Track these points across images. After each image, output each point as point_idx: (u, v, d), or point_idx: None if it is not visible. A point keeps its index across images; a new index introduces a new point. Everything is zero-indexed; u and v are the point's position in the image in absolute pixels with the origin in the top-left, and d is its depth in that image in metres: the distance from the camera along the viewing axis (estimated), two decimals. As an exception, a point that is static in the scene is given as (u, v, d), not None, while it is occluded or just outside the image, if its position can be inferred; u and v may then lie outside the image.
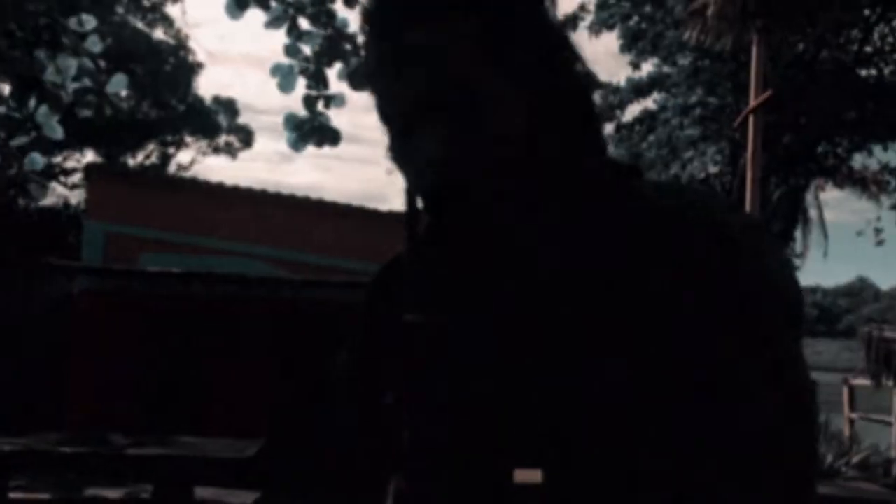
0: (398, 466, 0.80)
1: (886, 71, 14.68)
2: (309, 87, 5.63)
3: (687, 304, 0.64)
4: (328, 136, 5.08)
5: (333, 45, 5.57)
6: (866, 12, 13.99)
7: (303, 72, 5.74)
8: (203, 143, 20.68)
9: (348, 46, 5.64)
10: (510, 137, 0.69)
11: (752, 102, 7.18)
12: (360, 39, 6.17)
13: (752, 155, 7.25)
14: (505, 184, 0.69)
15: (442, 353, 0.73)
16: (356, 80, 5.52)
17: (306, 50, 5.61)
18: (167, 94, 18.57)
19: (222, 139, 20.89)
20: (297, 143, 5.07)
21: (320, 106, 5.60)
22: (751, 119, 7.27)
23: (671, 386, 0.63)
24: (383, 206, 11.26)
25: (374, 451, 0.89)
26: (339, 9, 5.75)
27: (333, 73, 5.50)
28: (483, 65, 0.68)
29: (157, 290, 9.14)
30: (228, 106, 20.52)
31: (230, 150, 21.12)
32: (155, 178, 11.44)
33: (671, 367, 0.63)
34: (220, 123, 20.47)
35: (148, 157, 19.84)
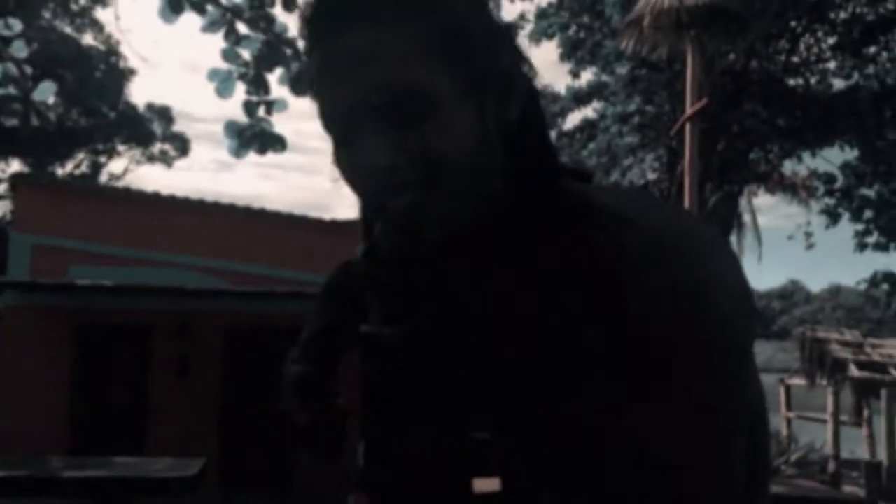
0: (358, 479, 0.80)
1: (812, 81, 15.29)
2: (248, 92, 5.51)
3: (591, 340, 0.61)
4: (271, 142, 4.96)
5: (273, 49, 5.46)
6: (793, 24, 14.56)
7: (241, 77, 5.61)
8: (136, 152, 20.10)
9: (288, 51, 5.53)
10: (460, 145, 0.66)
11: (689, 111, 7.36)
12: (301, 44, 6.07)
13: (689, 162, 7.42)
14: (451, 196, 0.67)
15: (395, 365, 0.73)
16: (298, 85, 5.42)
17: (245, 55, 5.49)
18: (97, 101, 17.99)
19: (157, 147, 20.35)
20: (239, 150, 4.93)
21: (261, 112, 5.48)
22: (687, 127, 7.45)
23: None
24: (327, 216, 11.10)
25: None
26: (278, 13, 5.64)
27: (274, 78, 5.39)
28: (430, 68, 0.66)
29: (88, 304, 8.80)
30: (163, 113, 20.00)
31: (165, 159, 20.59)
32: (85, 187, 11.03)
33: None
34: (154, 131, 19.94)
35: (77, 166, 19.16)
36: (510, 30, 0.73)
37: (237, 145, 5.19)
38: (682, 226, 0.65)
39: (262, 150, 5.17)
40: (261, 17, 5.39)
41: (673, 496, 0.58)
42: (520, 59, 0.71)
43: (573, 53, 14.13)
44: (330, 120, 0.69)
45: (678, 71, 12.73)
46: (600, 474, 0.60)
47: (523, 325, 0.66)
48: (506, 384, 0.66)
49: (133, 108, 19.10)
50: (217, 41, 5.15)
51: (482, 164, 0.68)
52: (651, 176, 13.83)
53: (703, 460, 0.59)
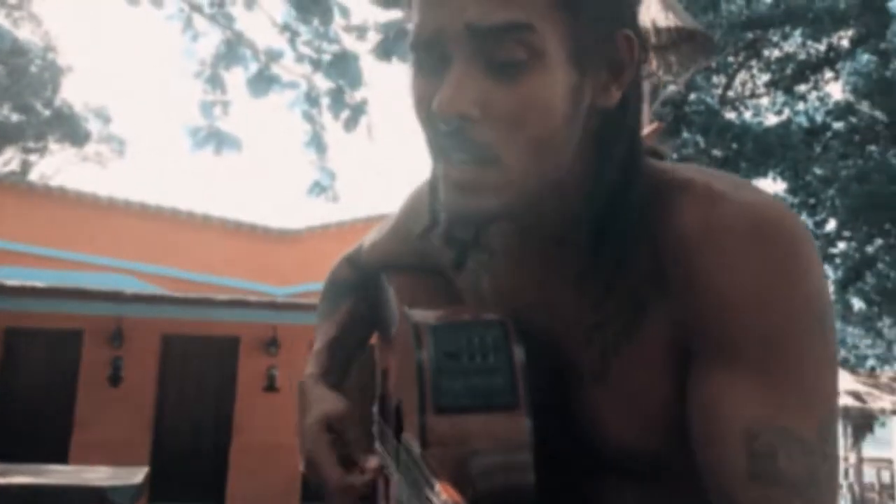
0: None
1: (747, 115, 15.92)
2: (205, 91, 5.38)
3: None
4: (228, 142, 4.84)
5: (232, 48, 5.35)
6: (731, 59, 15.16)
7: (197, 75, 5.48)
8: (70, 152, 19.38)
9: (248, 51, 5.43)
10: (547, 116, 0.61)
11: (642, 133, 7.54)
12: (261, 44, 5.97)
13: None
14: (516, 173, 0.62)
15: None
16: (257, 86, 5.32)
17: (203, 52, 5.36)
18: (31, 97, 17.29)
19: (92, 147, 19.66)
20: (194, 149, 4.80)
21: (217, 111, 5.35)
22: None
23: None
24: (273, 224, 10.91)
25: None
26: (239, 13, 5.54)
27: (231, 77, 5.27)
28: (545, 17, 0.60)
29: (16, 306, 8.38)
30: (99, 112, 19.37)
31: (100, 160, 19.90)
32: (15, 186, 10.55)
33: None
34: (89, 131, 19.26)
35: (7, 164, 18.34)
36: (634, 6, 0.67)
37: (192, 145, 5.06)
38: (771, 202, 0.62)
39: (217, 150, 5.05)
40: (221, 15, 5.28)
41: (781, 481, 0.55)
42: (635, 41, 0.64)
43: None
44: (418, 40, 0.61)
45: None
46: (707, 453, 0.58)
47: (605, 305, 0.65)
48: (589, 364, 0.65)
49: (69, 106, 18.43)
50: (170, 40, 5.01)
51: (560, 144, 0.62)
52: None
53: (813, 445, 0.56)
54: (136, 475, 3.78)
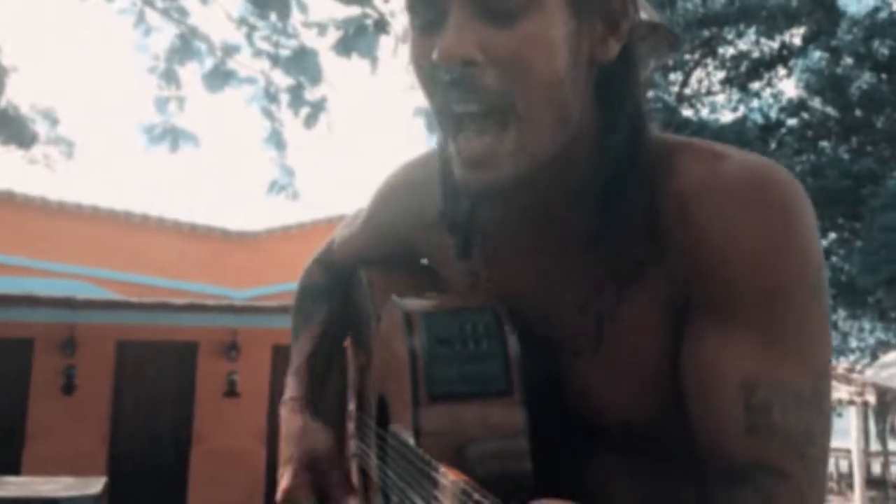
0: None
1: (704, 112, 16.20)
2: (160, 87, 5.22)
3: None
4: (184, 138, 4.68)
5: (186, 43, 5.19)
6: (687, 57, 15.39)
7: (151, 71, 5.31)
8: (17, 154, 18.77)
9: (203, 46, 5.28)
10: (551, 61, 0.60)
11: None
12: (218, 38, 5.81)
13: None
14: (531, 127, 0.61)
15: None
16: (213, 81, 5.17)
17: (156, 47, 5.20)
18: (-25, 98, 16.68)
19: (40, 150, 19.08)
20: (149, 146, 4.64)
21: (172, 107, 5.19)
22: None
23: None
24: (231, 226, 10.70)
25: None
26: (194, 7, 5.39)
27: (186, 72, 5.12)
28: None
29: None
30: (47, 114, 18.81)
31: (49, 163, 19.34)
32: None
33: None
34: (36, 133, 18.69)
35: (-51, 167, 17.69)
36: None
37: (147, 141, 4.89)
38: (770, 163, 0.62)
39: (173, 147, 4.89)
40: (174, 9, 5.12)
41: (777, 434, 0.56)
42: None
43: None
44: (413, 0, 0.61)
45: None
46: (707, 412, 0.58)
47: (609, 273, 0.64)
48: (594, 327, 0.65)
49: (14, 107, 17.85)
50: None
51: (567, 94, 0.60)
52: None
53: (809, 400, 0.57)
54: (94, 486, 3.63)
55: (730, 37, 15.75)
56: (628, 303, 0.63)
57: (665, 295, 0.61)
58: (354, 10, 4.34)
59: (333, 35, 4.74)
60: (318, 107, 5.62)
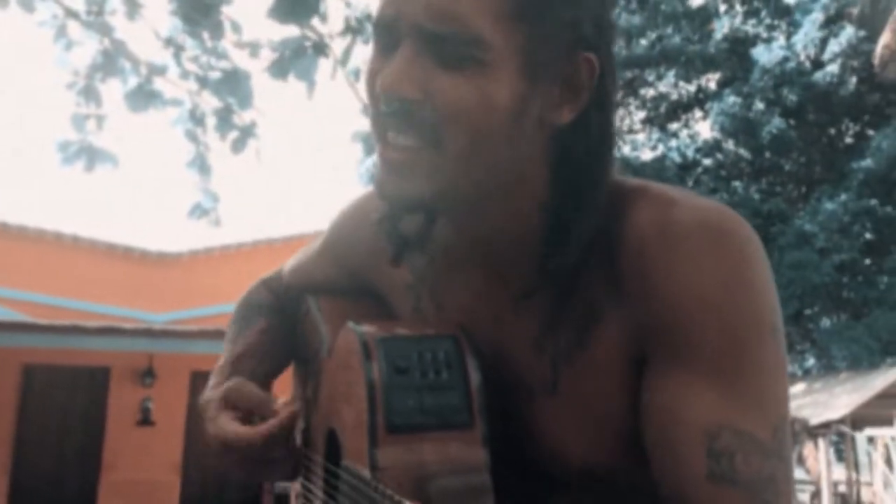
0: None
1: (625, 149, 16.71)
2: (78, 104, 5.04)
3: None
4: (101, 158, 4.51)
5: (110, 59, 5.04)
6: (611, 96, 15.90)
7: (70, 87, 5.12)
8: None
9: (128, 64, 5.14)
10: (491, 113, 0.61)
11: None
12: (144, 56, 5.66)
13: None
14: (454, 160, 0.62)
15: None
16: (135, 101, 5.03)
17: (77, 62, 5.02)
18: None
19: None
20: (64, 164, 4.45)
21: (91, 125, 5.01)
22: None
23: None
24: (152, 247, 10.35)
25: None
26: (120, 22, 5.26)
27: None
28: (497, 24, 0.60)
29: None
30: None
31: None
32: None
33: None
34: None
35: None
36: (607, 33, 0.65)
37: (62, 160, 4.70)
38: (724, 208, 0.63)
39: (89, 166, 4.71)
40: (99, 23, 4.97)
41: (738, 482, 0.55)
42: (596, 66, 0.63)
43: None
44: (379, 21, 0.63)
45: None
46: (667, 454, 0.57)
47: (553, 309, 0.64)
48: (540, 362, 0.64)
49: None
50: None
51: (498, 149, 0.61)
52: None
53: (770, 447, 0.57)
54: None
55: (651, 79, 16.39)
56: (585, 346, 0.62)
57: (624, 339, 0.61)
58: (292, 31, 4.31)
59: (267, 57, 4.69)
60: (247, 131, 5.53)
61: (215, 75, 5.12)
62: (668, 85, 16.56)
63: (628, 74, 15.64)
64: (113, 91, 5.09)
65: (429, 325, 0.68)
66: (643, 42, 15.68)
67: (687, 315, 0.58)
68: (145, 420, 8.33)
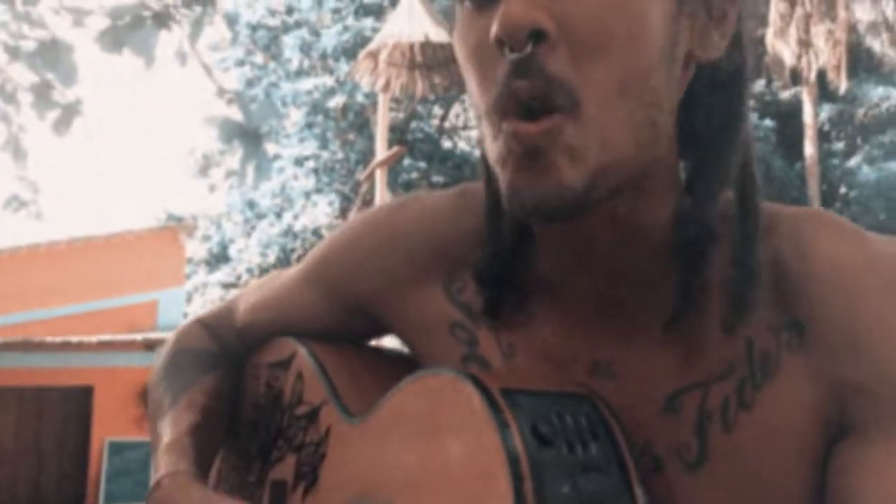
0: None
1: (461, 144, 17.13)
2: None
3: None
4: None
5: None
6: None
7: None
8: None
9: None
10: (642, 41, 0.48)
11: (381, 156, 7.54)
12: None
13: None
14: (608, 123, 0.47)
15: None
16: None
17: None
18: None
19: None
20: None
21: None
22: (378, 172, 7.63)
23: None
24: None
25: None
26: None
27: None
28: None
29: None
30: None
31: None
32: None
33: None
34: None
35: None
36: None
37: None
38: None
39: None
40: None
41: None
42: None
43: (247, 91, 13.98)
44: None
45: (351, 121, 13.27)
46: None
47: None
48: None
49: None
50: None
51: (657, 92, 0.48)
52: (324, 220, 13.96)
53: None
54: None
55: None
56: (749, 407, 0.50)
57: (808, 400, 0.50)
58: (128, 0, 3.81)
59: (98, 25, 4.11)
60: (70, 110, 4.90)
61: (30, 45, 4.45)
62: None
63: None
64: None
65: (528, 377, 0.52)
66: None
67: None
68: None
